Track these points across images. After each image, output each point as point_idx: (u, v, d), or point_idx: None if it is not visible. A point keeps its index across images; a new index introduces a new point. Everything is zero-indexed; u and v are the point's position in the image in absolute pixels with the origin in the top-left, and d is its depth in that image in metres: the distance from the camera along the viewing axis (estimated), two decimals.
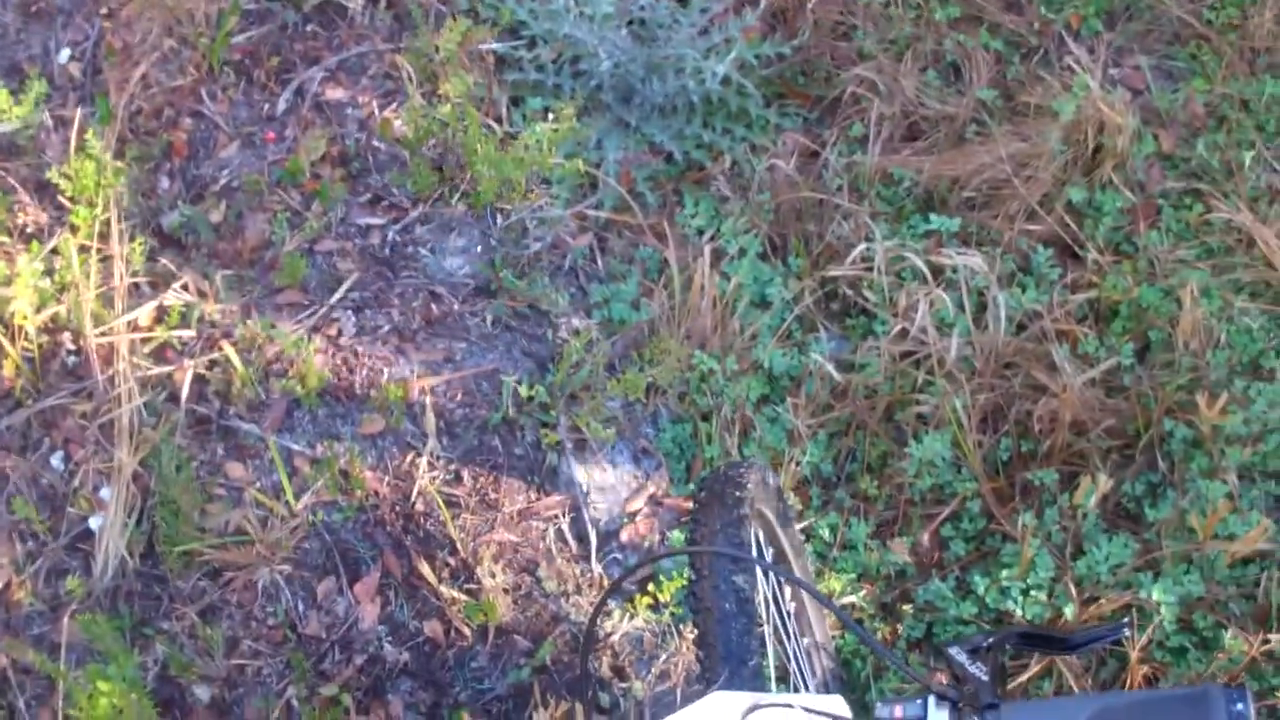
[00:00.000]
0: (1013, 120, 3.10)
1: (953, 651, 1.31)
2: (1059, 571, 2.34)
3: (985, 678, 1.27)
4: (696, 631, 1.85)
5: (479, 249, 2.89)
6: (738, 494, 1.94)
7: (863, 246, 2.80)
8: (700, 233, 2.95)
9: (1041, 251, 2.83)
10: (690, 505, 2.44)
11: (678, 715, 1.21)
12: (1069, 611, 2.30)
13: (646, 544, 2.52)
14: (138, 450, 2.47)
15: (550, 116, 3.00)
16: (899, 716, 1.25)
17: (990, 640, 1.34)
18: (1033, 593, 2.33)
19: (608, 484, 2.58)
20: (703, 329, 2.78)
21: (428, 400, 2.60)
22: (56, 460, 2.53)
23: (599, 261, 2.97)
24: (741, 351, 2.75)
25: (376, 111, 3.04)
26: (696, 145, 3.10)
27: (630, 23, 3.24)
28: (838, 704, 1.33)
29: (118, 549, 2.39)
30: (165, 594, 2.37)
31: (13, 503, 2.43)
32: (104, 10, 3.14)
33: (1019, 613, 2.30)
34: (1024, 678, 2.28)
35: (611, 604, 2.37)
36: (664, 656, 2.31)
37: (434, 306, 2.76)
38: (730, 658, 1.77)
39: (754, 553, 1.91)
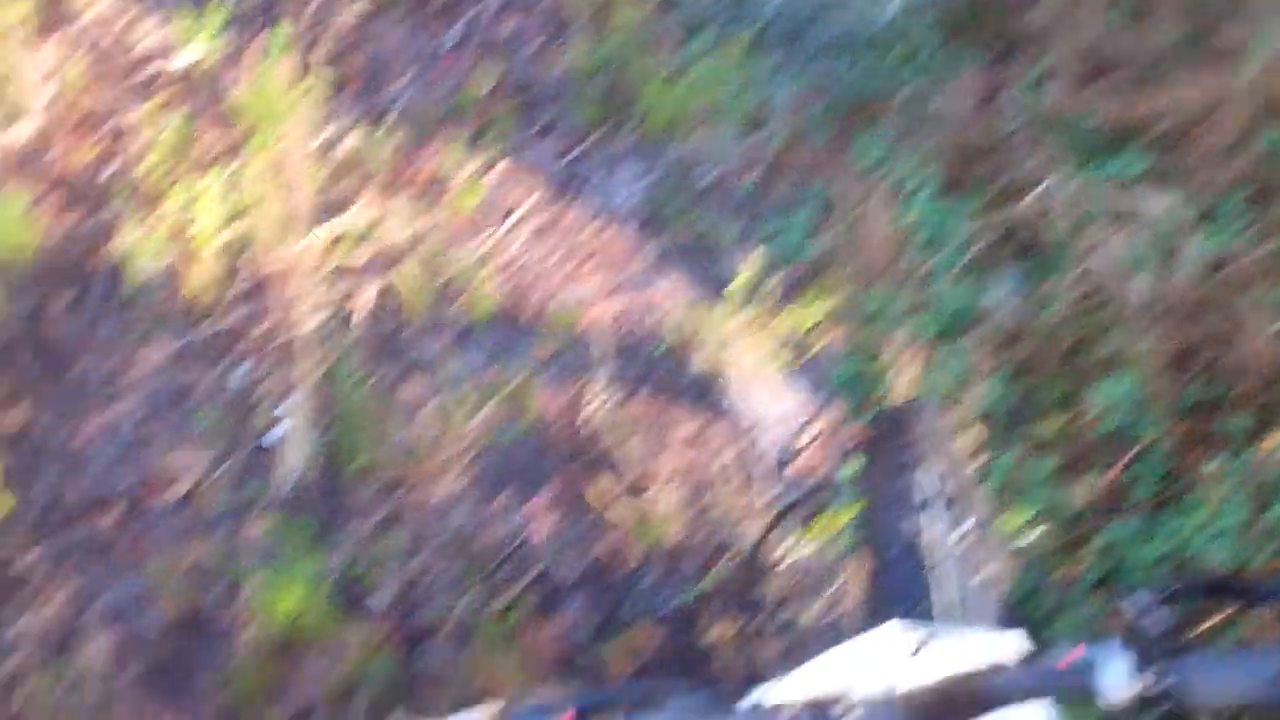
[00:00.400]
0: (1202, 61, 3.00)
1: (1133, 598, 1.28)
2: (1249, 519, 2.28)
3: (1166, 625, 1.24)
4: (866, 570, 1.84)
5: (648, 181, 2.91)
6: (911, 433, 1.92)
7: (1044, 185, 2.75)
8: (873, 169, 2.93)
9: (1233, 195, 2.74)
10: (861, 441, 2.43)
11: (851, 642, 1.20)
12: (1258, 561, 2.24)
13: (816, 477, 2.51)
14: (316, 368, 2.54)
15: (719, 52, 3.00)
16: (1076, 658, 1.22)
17: (1173, 587, 1.30)
18: (1219, 540, 2.27)
19: (778, 416, 2.58)
20: (876, 265, 2.75)
21: (599, 326, 2.62)
22: (239, 374, 2.62)
23: (768, 196, 2.96)
24: (916, 289, 2.73)
25: (547, 44, 3.07)
26: (868, 83, 3.06)
27: None
28: (1018, 639, 1.30)
29: (298, 461, 2.46)
30: (344, 504, 2.43)
31: (198, 413, 2.52)
32: None
33: (1205, 559, 2.24)
34: (1206, 627, 2.22)
35: (782, 531, 2.38)
36: (832, 586, 2.31)
37: (604, 235, 2.78)
38: (901, 599, 1.76)
39: (928, 492, 1.89)
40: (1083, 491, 2.42)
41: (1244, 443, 2.39)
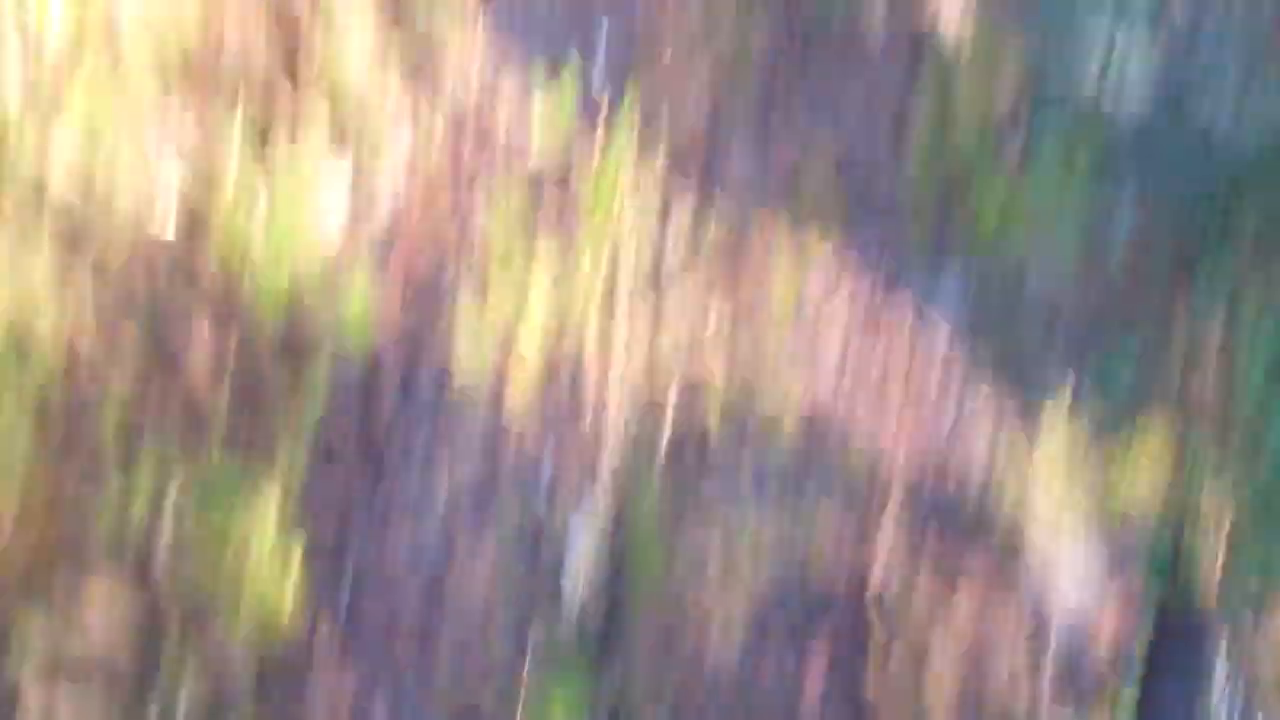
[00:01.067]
0: None
1: None
2: None
3: None
4: None
5: (969, 293, 2.83)
6: (1206, 644, 1.82)
7: None
8: (1216, 307, 2.75)
9: None
10: (1153, 630, 2.33)
11: None
12: None
13: (1104, 652, 2.43)
14: (620, 488, 2.63)
15: (1061, 165, 2.87)
16: None
17: None
18: None
19: (1074, 580, 2.51)
20: (1206, 417, 2.61)
21: (897, 464, 2.60)
22: (544, 472, 2.71)
23: (1099, 324, 2.84)
24: (1250, 452, 2.57)
25: (887, 134, 3.00)
26: (1225, 212, 2.87)
27: None
28: None
29: (588, 583, 2.56)
30: (624, 641, 2.52)
31: (499, 530, 2.65)
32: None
33: None
34: None
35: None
36: None
37: (916, 353, 2.75)
38: None
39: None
40: None
41: None
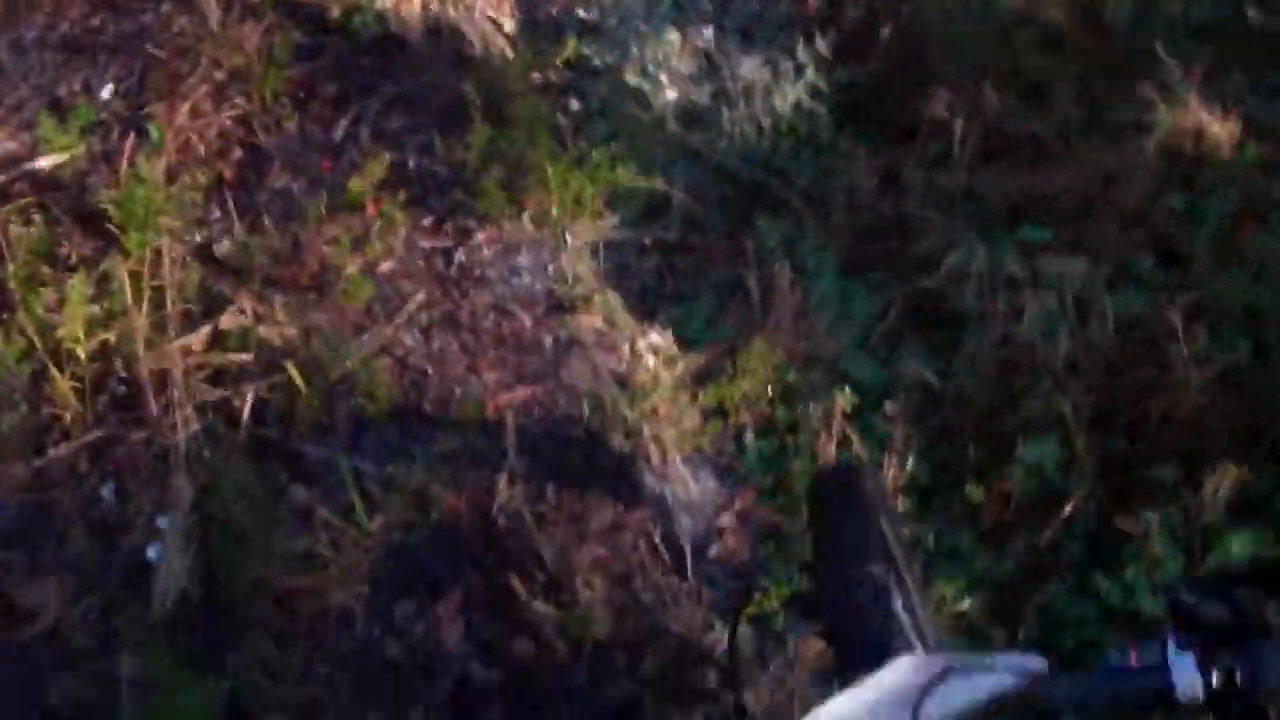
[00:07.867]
0: (1101, 137, 3.22)
1: (1184, 594, 1.25)
2: (1189, 566, 2.39)
3: (1231, 616, 1.23)
4: (816, 644, 1.88)
5: (549, 268, 3.00)
6: (860, 492, 1.98)
7: (953, 257, 2.91)
8: (773, 252, 3.07)
9: (1141, 257, 2.93)
10: (798, 511, 2.51)
11: (866, 682, 1.21)
12: None
13: (738, 559, 2.57)
14: (197, 477, 2.53)
15: (617, 141, 3.15)
16: (1136, 663, 1.18)
17: (1224, 575, 1.30)
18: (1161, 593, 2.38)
19: (693, 500, 2.65)
20: (785, 344, 2.87)
21: (506, 417, 2.67)
22: (107, 491, 2.59)
23: (670, 281, 3.08)
24: (828, 365, 2.85)
25: (439, 138, 3.16)
26: (766, 169, 3.23)
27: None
28: (1035, 661, 1.30)
29: (178, 579, 2.42)
30: (231, 623, 2.41)
31: (65, 536, 2.48)
32: (148, 46, 3.31)
33: (1150, 609, 2.35)
34: None
35: (714, 619, 2.43)
36: (774, 665, 2.35)
37: (505, 325, 2.85)
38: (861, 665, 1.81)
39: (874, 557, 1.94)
40: (1012, 555, 2.53)
41: (1173, 493, 2.52)
